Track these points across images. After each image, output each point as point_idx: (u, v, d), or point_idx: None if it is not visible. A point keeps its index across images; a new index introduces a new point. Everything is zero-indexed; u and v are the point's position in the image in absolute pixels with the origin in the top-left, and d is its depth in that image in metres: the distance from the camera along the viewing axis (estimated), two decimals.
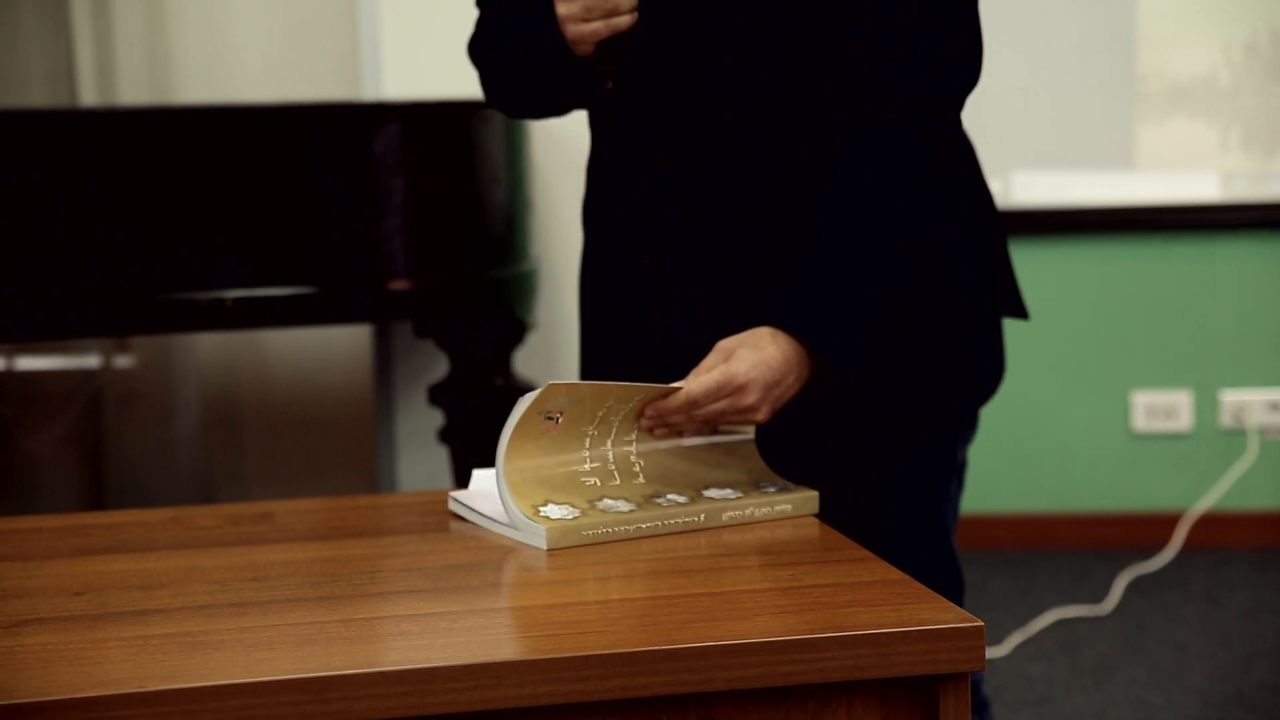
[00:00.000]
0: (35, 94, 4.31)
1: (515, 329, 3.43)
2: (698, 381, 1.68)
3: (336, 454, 4.35)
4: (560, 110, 2.01)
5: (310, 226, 3.13)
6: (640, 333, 1.94)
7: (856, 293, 1.75)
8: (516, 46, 1.92)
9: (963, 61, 1.82)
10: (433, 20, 3.92)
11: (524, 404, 1.60)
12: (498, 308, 3.36)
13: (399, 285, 3.17)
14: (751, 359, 1.69)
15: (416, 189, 3.17)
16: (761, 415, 1.71)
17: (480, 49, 2.03)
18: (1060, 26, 4.40)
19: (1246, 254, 4.51)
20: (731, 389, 1.68)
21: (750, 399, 1.69)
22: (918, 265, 1.84)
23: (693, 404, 1.68)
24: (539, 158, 3.81)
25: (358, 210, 3.14)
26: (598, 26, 1.80)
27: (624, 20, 1.81)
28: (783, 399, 1.72)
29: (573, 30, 1.81)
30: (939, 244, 1.88)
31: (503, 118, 3.32)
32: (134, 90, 4.28)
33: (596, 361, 2.04)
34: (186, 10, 4.29)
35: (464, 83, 3.50)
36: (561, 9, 1.81)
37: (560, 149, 3.88)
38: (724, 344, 1.72)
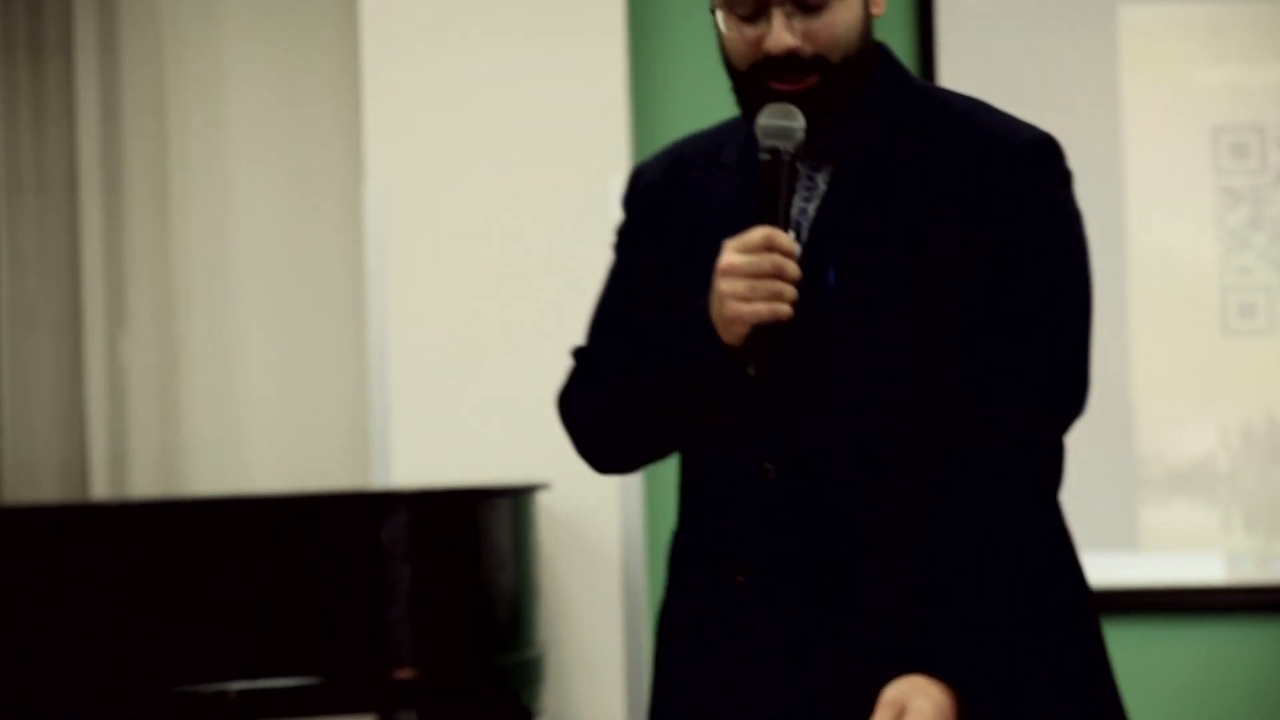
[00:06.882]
0: (47, 487, 4.36)
1: (521, 717, 3.39)
2: None
3: None
4: (667, 434, 1.92)
5: (316, 615, 3.13)
6: (726, 662, 1.85)
7: (1008, 635, 1.74)
8: (640, 353, 1.86)
9: (1069, 387, 1.82)
10: (443, 407, 3.98)
11: None
12: (504, 695, 3.33)
13: (404, 674, 3.15)
14: (930, 710, 1.66)
15: (423, 576, 3.18)
16: None
17: (576, 393, 1.95)
18: None
19: (1254, 637, 4.48)
20: None
21: None
22: (1049, 599, 1.82)
23: None
24: (546, 543, 3.83)
25: (364, 599, 3.15)
26: (760, 308, 1.74)
27: (785, 309, 1.74)
28: None
29: (733, 308, 1.74)
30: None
31: (509, 504, 3.35)
32: (145, 480, 4.34)
33: (671, 705, 1.92)
34: (200, 398, 4.37)
35: (473, 468, 3.55)
36: (724, 285, 1.74)
37: (566, 533, 3.90)
38: (891, 696, 1.68)
